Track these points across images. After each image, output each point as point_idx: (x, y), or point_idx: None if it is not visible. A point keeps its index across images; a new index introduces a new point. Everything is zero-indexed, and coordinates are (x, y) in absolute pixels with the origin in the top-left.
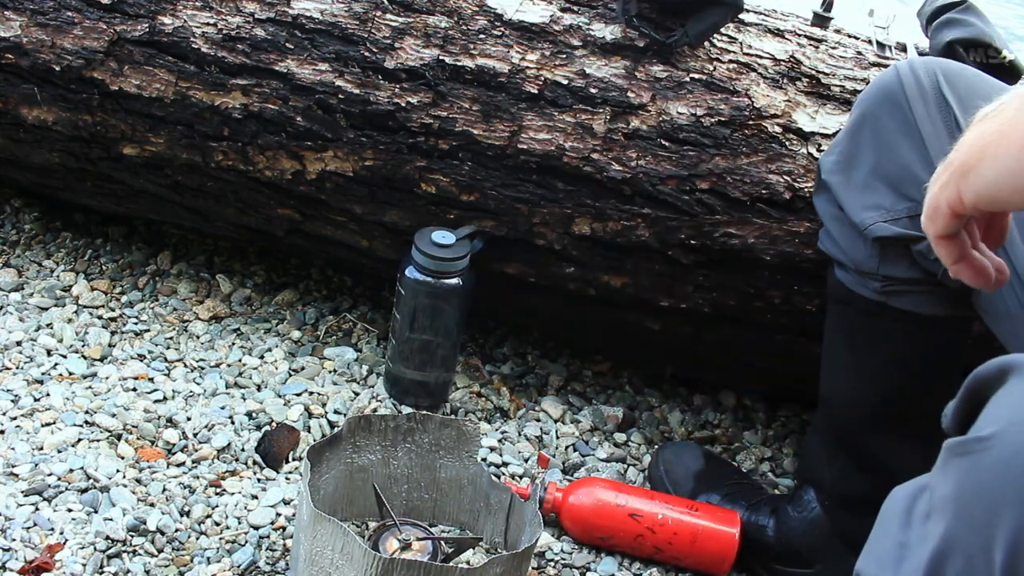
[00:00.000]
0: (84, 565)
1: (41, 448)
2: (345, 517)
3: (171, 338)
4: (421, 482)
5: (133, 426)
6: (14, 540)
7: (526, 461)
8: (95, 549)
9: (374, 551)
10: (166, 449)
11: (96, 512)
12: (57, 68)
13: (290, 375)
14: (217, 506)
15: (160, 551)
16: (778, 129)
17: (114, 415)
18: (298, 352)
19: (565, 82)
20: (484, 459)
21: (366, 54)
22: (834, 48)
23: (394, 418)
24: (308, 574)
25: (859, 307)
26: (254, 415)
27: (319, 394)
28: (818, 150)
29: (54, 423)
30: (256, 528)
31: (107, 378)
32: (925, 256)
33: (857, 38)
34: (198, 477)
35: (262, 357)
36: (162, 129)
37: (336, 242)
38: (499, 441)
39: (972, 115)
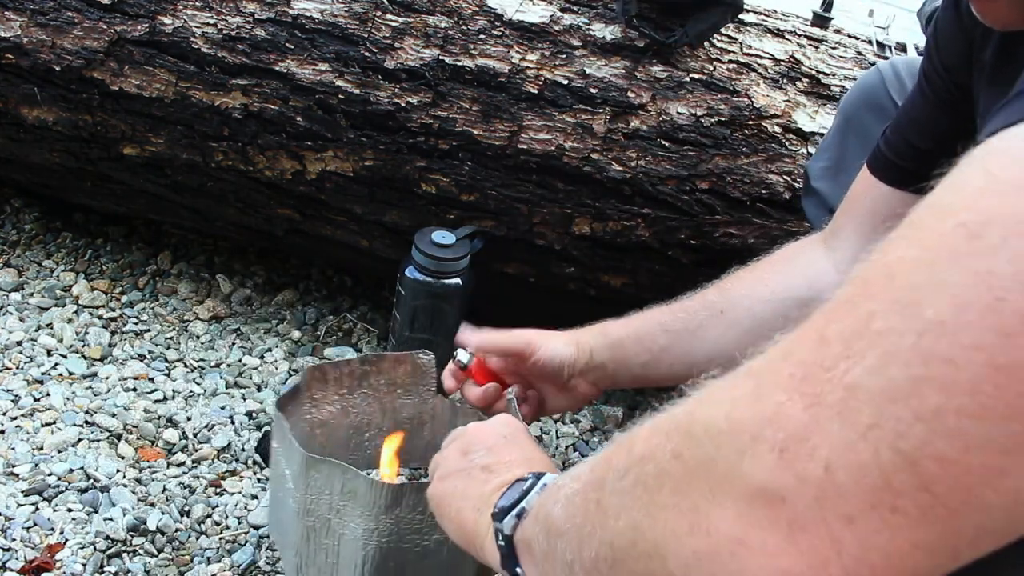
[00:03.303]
0: (84, 565)
1: (41, 448)
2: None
3: (171, 338)
4: (382, 427)
5: (133, 426)
6: (14, 540)
7: None
8: (95, 549)
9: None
10: (166, 449)
11: (96, 512)
12: (57, 68)
13: (290, 375)
14: (217, 506)
15: (160, 551)
16: (778, 129)
17: (114, 415)
18: (298, 352)
19: (565, 82)
20: None
21: (366, 54)
22: (834, 48)
23: (348, 363)
24: (304, 527)
25: None
26: (254, 415)
27: None
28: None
29: (54, 423)
30: (256, 528)
31: (107, 378)
32: None
33: (857, 38)
34: (198, 477)
35: (262, 357)
36: (162, 129)
37: (336, 242)
38: None
39: None
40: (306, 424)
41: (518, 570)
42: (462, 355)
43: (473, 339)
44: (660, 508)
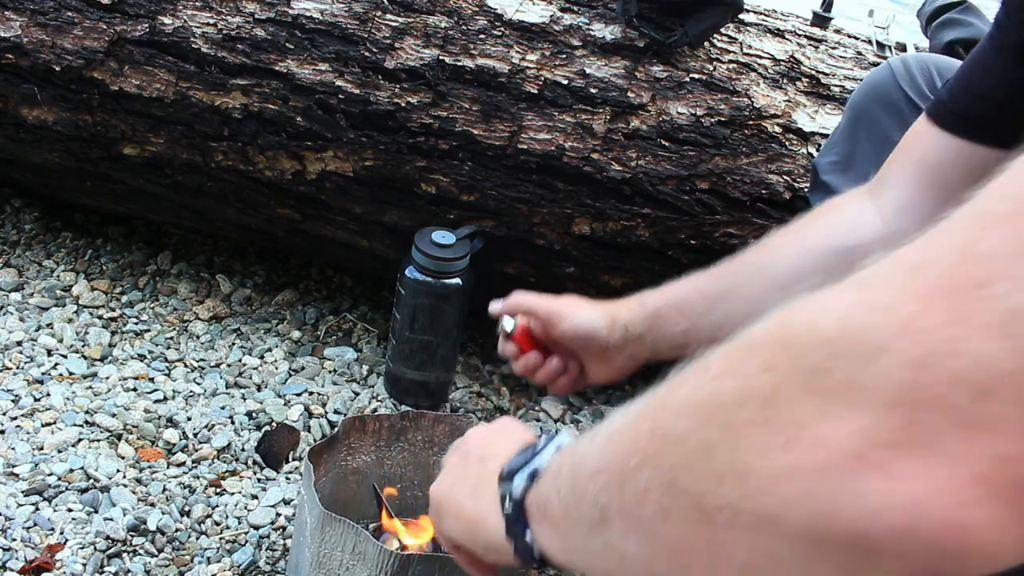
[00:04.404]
0: (84, 565)
1: (41, 448)
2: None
3: (171, 338)
4: (414, 480)
5: (133, 426)
6: (14, 540)
7: None
8: (95, 549)
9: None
10: (166, 449)
11: (96, 512)
12: (57, 68)
13: (290, 375)
14: (217, 506)
15: (160, 551)
16: (778, 129)
17: (114, 415)
18: (298, 352)
19: (565, 82)
20: None
21: (366, 54)
22: (834, 48)
23: (388, 418)
24: None
25: None
26: (254, 415)
27: (319, 394)
28: (818, 150)
29: (54, 423)
30: (256, 528)
31: (107, 378)
32: None
33: (857, 38)
34: (198, 477)
35: (262, 357)
36: (162, 129)
37: (336, 242)
38: None
39: None
40: (340, 470)
41: (527, 536)
42: (507, 322)
43: (510, 300)
44: (744, 424)
